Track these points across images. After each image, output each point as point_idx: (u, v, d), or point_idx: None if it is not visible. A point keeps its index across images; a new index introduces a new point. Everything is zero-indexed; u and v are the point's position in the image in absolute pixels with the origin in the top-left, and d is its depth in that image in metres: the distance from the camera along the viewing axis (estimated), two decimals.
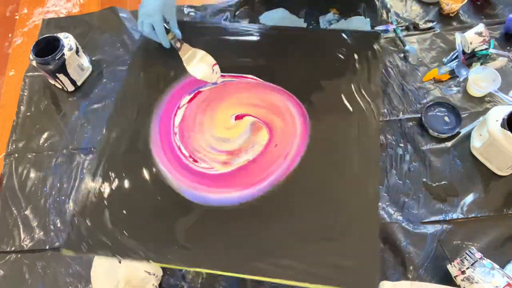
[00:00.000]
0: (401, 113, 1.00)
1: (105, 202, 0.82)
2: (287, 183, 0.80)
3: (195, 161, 0.86)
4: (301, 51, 0.98)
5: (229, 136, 0.88)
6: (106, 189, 0.84)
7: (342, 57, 0.96)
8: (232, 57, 0.98)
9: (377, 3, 1.20)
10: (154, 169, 0.85)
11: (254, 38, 1.03)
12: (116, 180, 0.84)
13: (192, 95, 0.94)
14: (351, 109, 0.88)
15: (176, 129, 0.90)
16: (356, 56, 0.96)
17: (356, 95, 0.90)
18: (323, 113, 0.89)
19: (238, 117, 0.90)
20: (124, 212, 0.81)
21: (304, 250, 0.73)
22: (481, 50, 1.04)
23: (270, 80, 0.94)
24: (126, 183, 0.84)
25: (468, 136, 0.95)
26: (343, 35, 1.00)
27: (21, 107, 1.12)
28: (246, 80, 0.95)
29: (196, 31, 1.04)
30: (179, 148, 0.87)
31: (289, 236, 0.75)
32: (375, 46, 0.98)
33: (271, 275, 0.72)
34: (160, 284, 0.85)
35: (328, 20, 1.16)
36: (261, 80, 0.94)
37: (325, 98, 0.91)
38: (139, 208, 0.81)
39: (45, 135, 1.07)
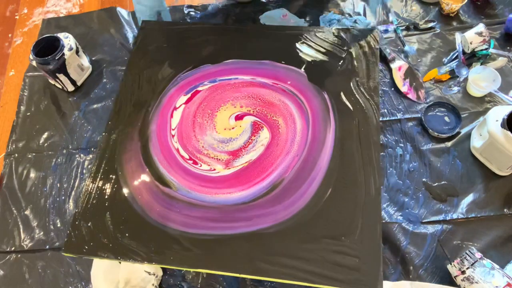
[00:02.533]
0: (401, 113, 1.00)
1: (106, 203, 0.82)
2: (288, 182, 0.81)
3: (195, 163, 0.85)
4: (297, 49, 0.98)
5: (230, 136, 0.88)
6: (106, 191, 0.83)
7: (339, 54, 0.96)
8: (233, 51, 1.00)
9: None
10: (154, 171, 0.85)
11: (248, 37, 1.03)
12: (117, 181, 0.84)
13: (189, 95, 0.94)
14: (350, 107, 0.88)
15: (174, 131, 0.89)
16: (353, 53, 0.96)
17: (355, 92, 0.90)
18: (323, 112, 0.89)
19: (238, 117, 0.90)
20: (125, 213, 0.80)
21: (305, 249, 0.73)
22: (481, 50, 1.04)
23: (266, 76, 0.95)
24: (126, 185, 0.84)
25: (468, 136, 0.95)
26: (340, 32, 1.00)
27: (21, 107, 1.12)
28: (243, 79, 0.95)
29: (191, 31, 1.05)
30: (178, 150, 0.87)
31: (290, 236, 0.75)
32: (372, 42, 0.98)
33: (273, 275, 0.72)
34: (160, 284, 0.85)
35: (329, 20, 1.16)
36: (260, 79, 0.94)
37: (324, 97, 0.91)
38: (139, 209, 0.81)
39: (45, 135, 1.07)
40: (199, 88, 0.94)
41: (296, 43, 0.98)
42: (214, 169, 0.84)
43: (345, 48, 0.97)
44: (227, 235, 0.76)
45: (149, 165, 0.85)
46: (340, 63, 0.95)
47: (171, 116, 0.91)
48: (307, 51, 0.97)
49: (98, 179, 0.84)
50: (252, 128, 0.88)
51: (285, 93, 0.92)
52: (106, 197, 0.82)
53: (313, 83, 0.92)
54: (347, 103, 0.89)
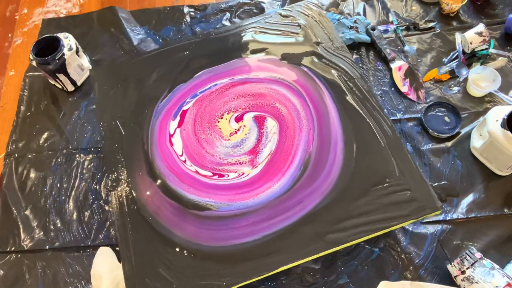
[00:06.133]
0: (401, 113, 1.00)
1: (154, 255, 0.75)
2: (315, 155, 0.82)
3: (221, 176, 0.83)
4: (256, 40, 0.99)
5: (240, 138, 0.87)
6: (147, 243, 0.76)
7: (295, 30, 0.98)
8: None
9: (377, 3, 1.20)
10: (185, 202, 0.80)
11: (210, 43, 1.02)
12: (152, 230, 0.78)
13: (178, 118, 0.90)
14: (330, 69, 0.91)
15: (183, 156, 0.85)
16: (306, 24, 0.98)
17: (327, 56, 0.93)
18: (310, 82, 0.91)
19: (238, 119, 0.89)
20: (178, 255, 0.75)
21: (361, 205, 0.75)
22: (481, 50, 1.04)
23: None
24: (164, 229, 0.78)
25: (468, 136, 0.95)
26: (285, 11, 1.02)
27: (21, 107, 1.12)
28: (222, 83, 0.93)
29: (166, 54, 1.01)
30: (197, 172, 0.83)
31: (341, 200, 0.76)
32: (316, 9, 1.01)
33: (346, 241, 0.73)
34: None
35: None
36: (238, 77, 0.94)
37: (303, 70, 0.93)
38: (191, 244, 0.76)
39: (45, 135, 1.07)
40: (185, 108, 0.91)
41: (253, 35, 0.99)
42: (243, 173, 0.82)
43: (296, 23, 0.99)
44: (286, 227, 0.76)
45: (177, 199, 0.81)
46: (300, 37, 0.97)
47: (171, 144, 0.87)
48: (265, 39, 0.98)
49: (130, 235, 0.77)
50: (256, 123, 0.88)
51: (268, 80, 0.92)
52: (150, 248, 0.76)
53: (287, 62, 0.94)
54: (325, 67, 0.92)
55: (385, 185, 0.76)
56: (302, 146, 0.83)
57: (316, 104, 0.88)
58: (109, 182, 0.83)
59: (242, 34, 1.00)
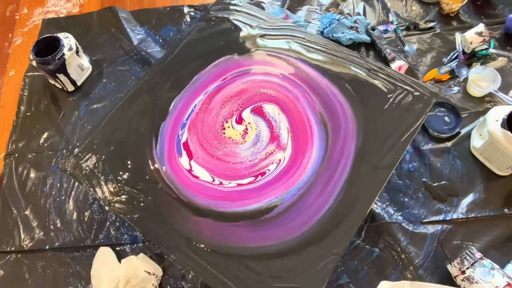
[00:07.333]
0: None
1: (269, 271, 0.73)
2: (327, 116, 0.86)
3: (263, 174, 0.82)
4: (205, 51, 1.00)
5: (253, 134, 0.87)
6: (245, 266, 0.74)
7: (228, 26, 1.01)
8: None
9: (377, 3, 1.20)
10: (249, 215, 0.78)
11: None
12: (243, 254, 0.75)
13: (184, 152, 0.86)
14: (278, 42, 0.95)
15: (216, 180, 0.82)
16: (234, 18, 1.02)
17: (271, 33, 0.97)
18: (276, 59, 0.93)
19: (238, 121, 0.89)
20: (279, 257, 0.74)
21: (386, 123, 0.82)
22: (481, 50, 1.04)
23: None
24: (252, 245, 0.75)
25: (468, 136, 0.95)
26: (216, 14, 1.04)
27: (21, 107, 1.12)
28: (201, 100, 0.92)
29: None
30: (239, 185, 0.81)
31: (370, 129, 0.82)
32: (233, 2, 1.05)
33: (398, 155, 0.79)
34: (160, 284, 0.85)
35: (329, 20, 1.16)
36: (211, 87, 0.94)
37: (258, 52, 0.95)
38: (282, 243, 0.75)
39: (45, 135, 1.07)
40: (183, 140, 0.88)
41: (195, 49, 0.99)
42: (280, 160, 0.83)
43: (226, 21, 1.02)
44: (347, 179, 0.78)
45: (242, 218, 0.78)
46: (238, 31, 1.00)
47: (196, 177, 0.83)
48: (211, 46, 0.99)
49: (220, 275, 0.73)
50: (257, 114, 0.88)
51: (240, 76, 0.93)
52: (249, 274, 0.73)
53: (243, 55, 0.96)
54: (276, 41, 0.96)
55: (390, 100, 0.84)
56: (308, 109, 0.86)
57: (293, 73, 0.91)
58: (164, 249, 0.76)
59: (186, 54, 0.98)
